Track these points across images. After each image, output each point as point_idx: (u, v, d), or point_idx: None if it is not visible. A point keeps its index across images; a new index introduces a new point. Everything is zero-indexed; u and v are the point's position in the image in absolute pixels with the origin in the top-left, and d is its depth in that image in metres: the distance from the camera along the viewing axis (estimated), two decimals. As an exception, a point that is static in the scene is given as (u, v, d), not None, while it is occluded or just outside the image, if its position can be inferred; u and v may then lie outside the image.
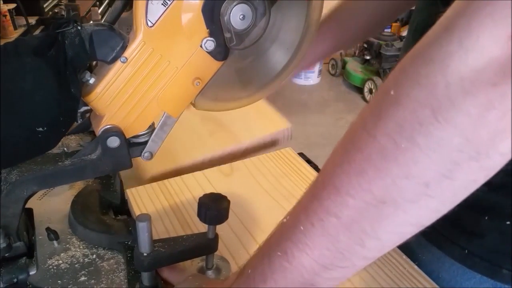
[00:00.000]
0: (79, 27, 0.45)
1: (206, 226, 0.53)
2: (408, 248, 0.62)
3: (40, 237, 0.60)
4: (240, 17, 0.46)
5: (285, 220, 0.38)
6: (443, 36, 0.27)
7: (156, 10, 0.44)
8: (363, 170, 0.30)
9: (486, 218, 0.56)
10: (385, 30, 3.94)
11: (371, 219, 0.31)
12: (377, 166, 0.30)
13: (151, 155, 0.53)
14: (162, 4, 0.44)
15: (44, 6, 1.96)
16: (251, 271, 0.40)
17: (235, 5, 0.45)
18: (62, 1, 2.12)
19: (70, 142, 0.57)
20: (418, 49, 0.29)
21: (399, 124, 0.28)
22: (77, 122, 0.59)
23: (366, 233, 0.31)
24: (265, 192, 0.75)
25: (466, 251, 0.59)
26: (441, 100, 0.27)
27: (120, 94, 0.48)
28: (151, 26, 0.44)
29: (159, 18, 0.44)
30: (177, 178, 0.78)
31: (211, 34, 0.46)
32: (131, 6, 0.46)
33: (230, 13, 0.45)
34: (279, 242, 0.37)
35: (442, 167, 0.28)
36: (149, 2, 0.43)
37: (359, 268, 0.35)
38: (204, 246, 0.55)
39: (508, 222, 0.54)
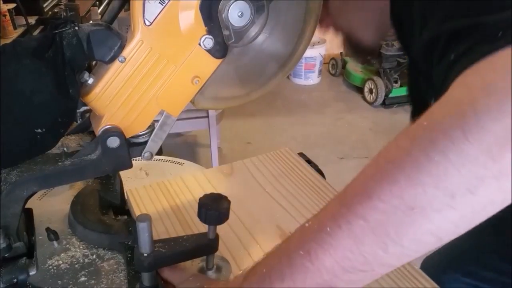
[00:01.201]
0: (76, 28, 0.45)
1: (207, 226, 0.53)
2: None
3: (40, 237, 0.60)
4: (238, 14, 0.46)
5: (307, 224, 0.39)
6: (462, 92, 0.33)
7: (153, 8, 0.44)
8: (395, 179, 0.33)
9: None
10: (385, 29, 3.93)
11: (397, 224, 0.33)
12: (410, 176, 0.32)
13: (151, 155, 0.53)
14: (159, 2, 0.44)
15: (44, 6, 1.96)
16: (267, 270, 0.40)
17: (233, 2, 0.45)
18: (62, 0, 2.12)
19: (70, 142, 0.57)
20: (444, 99, 0.34)
21: (433, 142, 0.32)
22: (76, 122, 0.59)
23: (390, 238, 0.33)
24: (265, 192, 0.75)
25: None
26: (471, 124, 0.31)
27: (119, 94, 0.48)
28: (148, 25, 0.44)
29: (156, 17, 0.44)
30: (178, 178, 0.78)
31: (209, 32, 0.46)
32: (129, 6, 0.46)
33: (228, 10, 0.45)
34: (301, 243, 0.38)
35: (468, 181, 0.31)
36: (146, 1, 0.43)
37: (376, 276, 0.36)
38: (204, 246, 0.55)
39: None
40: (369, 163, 0.37)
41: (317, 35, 3.97)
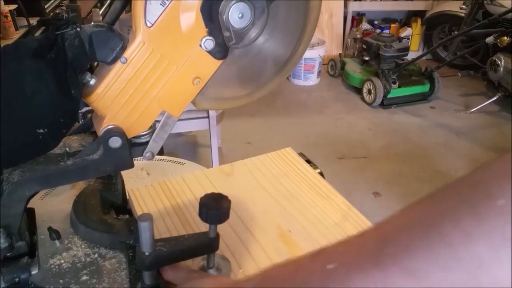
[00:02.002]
0: (78, 29, 0.46)
1: (207, 225, 0.53)
2: None
3: (42, 236, 0.60)
4: (239, 15, 0.46)
5: (330, 266, 0.33)
6: None
7: (154, 10, 0.44)
8: (450, 268, 0.27)
9: None
10: (384, 31, 3.94)
11: None
12: (470, 272, 0.26)
13: (153, 155, 0.53)
14: (160, 4, 0.44)
15: (46, 6, 1.97)
16: None
17: (233, 4, 0.46)
18: (63, 2, 2.12)
19: (72, 142, 0.57)
20: None
21: (505, 236, 0.26)
22: (78, 122, 0.59)
23: None
24: (265, 192, 0.75)
25: None
26: None
27: (121, 95, 0.48)
28: (150, 26, 0.45)
29: (158, 18, 0.45)
30: (178, 178, 0.78)
31: (210, 33, 0.47)
32: (131, 8, 0.46)
33: (229, 11, 0.46)
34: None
35: None
36: (148, 2, 0.44)
37: None
38: (205, 245, 0.55)
39: None
40: (420, 212, 0.31)
41: (317, 36, 3.98)
